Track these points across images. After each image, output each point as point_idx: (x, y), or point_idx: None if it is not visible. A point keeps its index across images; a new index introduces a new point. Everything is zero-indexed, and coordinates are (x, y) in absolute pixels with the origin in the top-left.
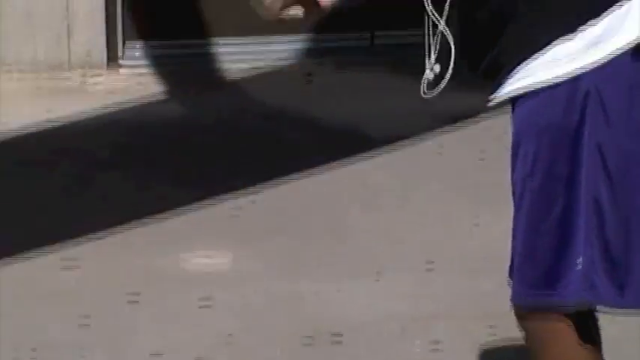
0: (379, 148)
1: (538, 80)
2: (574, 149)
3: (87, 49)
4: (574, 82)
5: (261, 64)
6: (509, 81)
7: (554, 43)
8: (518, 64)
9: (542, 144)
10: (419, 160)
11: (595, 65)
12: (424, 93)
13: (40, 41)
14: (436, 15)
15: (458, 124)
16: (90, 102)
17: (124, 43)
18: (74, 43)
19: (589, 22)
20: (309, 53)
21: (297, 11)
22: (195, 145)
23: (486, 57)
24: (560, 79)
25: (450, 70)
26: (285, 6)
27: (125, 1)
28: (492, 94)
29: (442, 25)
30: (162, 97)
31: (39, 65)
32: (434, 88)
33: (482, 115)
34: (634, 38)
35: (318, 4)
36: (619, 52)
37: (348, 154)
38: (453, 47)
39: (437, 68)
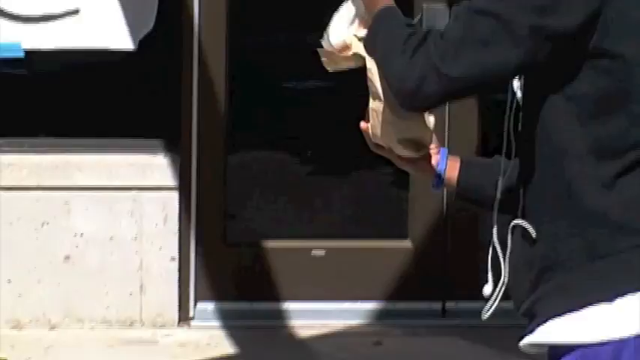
0: None
1: (578, 340)
2: None
3: (158, 308)
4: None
5: (331, 324)
6: (541, 329)
7: (591, 305)
8: (552, 317)
9: None
10: None
11: None
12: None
13: (112, 297)
14: (498, 247)
15: None
16: (161, 355)
17: (195, 302)
18: (146, 300)
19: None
20: (380, 316)
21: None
22: None
23: (527, 299)
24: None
25: (498, 294)
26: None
27: (197, 258)
28: (524, 335)
29: (506, 256)
30: (231, 355)
31: (110, 321)
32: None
33: None
34: None
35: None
36: None
37: None
38: (505, 276)
39: (487, 290)
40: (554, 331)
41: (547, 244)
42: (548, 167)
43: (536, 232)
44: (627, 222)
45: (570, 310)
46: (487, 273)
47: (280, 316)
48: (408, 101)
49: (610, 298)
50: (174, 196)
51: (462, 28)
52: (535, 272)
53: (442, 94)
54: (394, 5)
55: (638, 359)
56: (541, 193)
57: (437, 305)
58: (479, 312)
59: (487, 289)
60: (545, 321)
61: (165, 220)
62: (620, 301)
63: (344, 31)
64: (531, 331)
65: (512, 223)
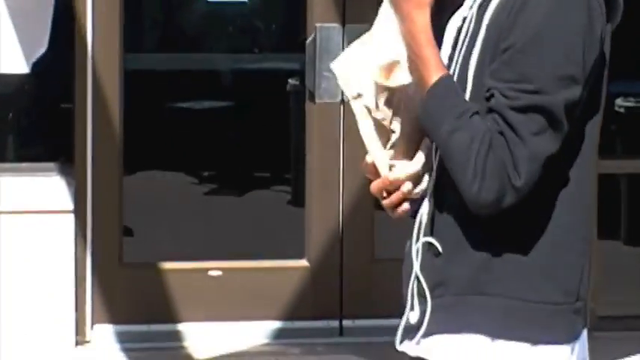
0: None
1: None
2: None
3: (56, 331)
4: None
5: (229, 344)
6: (423, 343)
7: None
8: (434, 334)
9: None
10: None
11: None
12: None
13: (8, 320)
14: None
15: None
16: None
17: (92, 325)
18: (43, 323)
19: None
20: (278, 335)
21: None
22: None
23: (417, 308)
24: None
25: (424, 325)
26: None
27: (94, 281)
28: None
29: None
30: None
31: None
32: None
33: None
34: None
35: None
36: None
37: None
38: (429, 308)
39: (413, 317)
40: (433, 349)
41: (446, 261)
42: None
43: (442, 248)
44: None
45: (450, 332)
46: (412, 298)
47: (178, 337)
48: (484, 212)
49: (488, 334)
50: (69, 219)
51: (524, 140)
52: (429, 283)
53: (518, 200)
54: (450, 75)
55: None
56: (449, 214)
57: (334, 323)
58: (376, 329)
59: (414, 317)
60: (428, 335)
61: (61, 242)
62: (499, 342)
63: (366, 77)
64: (413, 339)
65: (421, 240)
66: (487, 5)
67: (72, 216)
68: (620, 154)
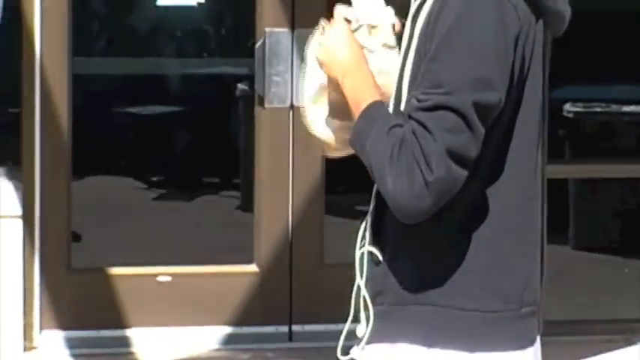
0: None
1: None
2: None
3: (3, 337)
4: None
5: (178, 350)
6: (365, 350)
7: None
8: (372, 342)
9: None
10: None
11: None
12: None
13: None
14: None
15: None
16: None
17: (40, 330)
18: None
19: None
20: (228, 340)
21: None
22: None
23: (359, 313)
24: None
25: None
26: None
27: (42, 286)
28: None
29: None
30: None
31: None
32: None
33: None
34: None
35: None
36: None
37: None
38: (370, 313)
39: (358, 329)
40: (371, 358)
41: (385, 270)
42: None
43: (382, 256)
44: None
45: (387, 341)
46: (356, 307)
47: (127, 343)
48: (410, 217)
49: (424, 343)
50: (17, 224)
51: (433, 134)
52: (370, 291)
53: (438, 201)
54: (380, 101)
55: None
56: (388, 223)
57: (283, 329)
58: (325, 334)
59: (361, 330)
60: (368, 343)
61: (9, 248)
62: (435, 351)
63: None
64: (357, 346)
65: (364, 249)
66: (418, 15)
67: (20, 221)
68: (568, 158)
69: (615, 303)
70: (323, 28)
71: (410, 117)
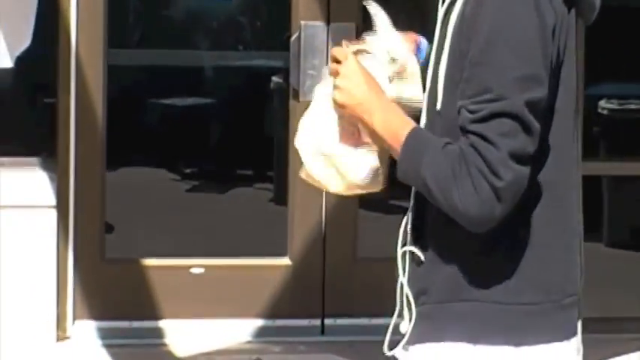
0: None
1: None
2: None
3: (37, 327)
4: None
5: (211, 341)
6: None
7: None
8: (415, 343)
9: None
10: None
11: None
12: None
13: None
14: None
15: None
16: None
17: (74, 321)
18: (25, 319)
19: None
20: (260, 333)
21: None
22: None
23: (403, 313)
24: None
25: (408, 332)
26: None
27: (76, 276)
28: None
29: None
30: None
31: None
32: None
33: None
34: None
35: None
36: None
37: None
38: (413, 313)
39: (402, 326)
40: (417, 358)
41: (427, 269)
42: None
43: (424, 256)
44: None
45: (432, 341)
46: (401, 305)
47: (160, 334)
48: (483, 228)
49: (469, 341)
50: (52, 215)
51: (494, 143)
52: (413, 290)
53: (510, 205)
54: (418, 126)
55: None
56: (430, 222)
57: (316, 322)
58: (358, 328)
59: (404, 325)
60: (412, 344)
61: (43, 238)
62: (481, 347)
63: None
64: (399, 346)
65: (405, 248)
66: (450, 15)
67: (54, 211)
68: (603, 156)
69: None
70: (334, 70)
71: (466, 130)
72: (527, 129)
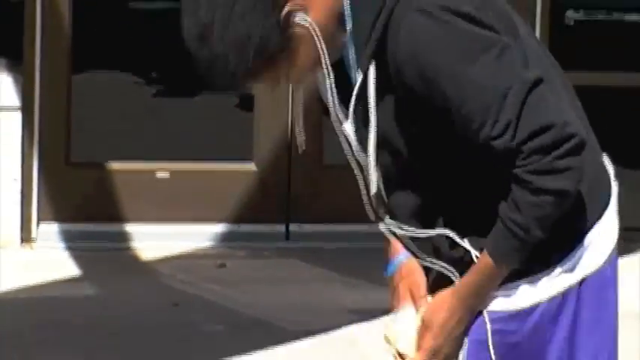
0: (292, 340)
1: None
2: None
3: (1, 229)
4: None
5: (175, 246)
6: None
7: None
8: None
9: None
10: (333, 352)
11: None
12: None
13: None
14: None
15: (370, 317)
16: (3, 276)
17: (38, 223)
18: None
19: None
20: (224, 238)
21: None
22: (104, 331)
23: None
24: None
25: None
26: None
27: (40, 179)
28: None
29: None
30: (74, 277)
31: None
32: None
33: None
34: None
35: None
36: None
37: (261, 344)
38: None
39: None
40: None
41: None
42: None
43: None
44: None
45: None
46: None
47: (124, 237)
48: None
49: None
50: (16, 116)
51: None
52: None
53: (580, 176)
54: (480, 256)
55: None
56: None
57: (280, 228)
58: (322, 234)
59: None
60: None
61: (6, 140)
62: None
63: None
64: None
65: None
66: (366, 89)
67: (19, 113)
68: (570, 67)
69: None
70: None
71: (522, 187)
72: (553, 119)
